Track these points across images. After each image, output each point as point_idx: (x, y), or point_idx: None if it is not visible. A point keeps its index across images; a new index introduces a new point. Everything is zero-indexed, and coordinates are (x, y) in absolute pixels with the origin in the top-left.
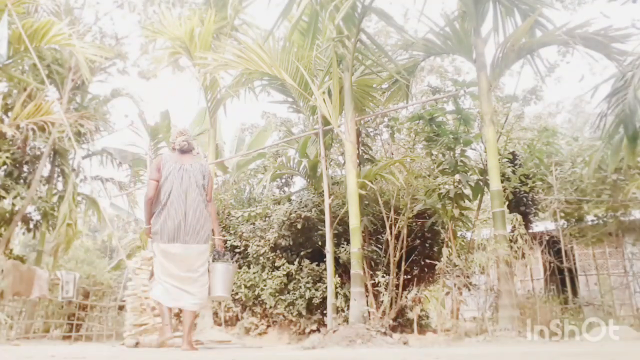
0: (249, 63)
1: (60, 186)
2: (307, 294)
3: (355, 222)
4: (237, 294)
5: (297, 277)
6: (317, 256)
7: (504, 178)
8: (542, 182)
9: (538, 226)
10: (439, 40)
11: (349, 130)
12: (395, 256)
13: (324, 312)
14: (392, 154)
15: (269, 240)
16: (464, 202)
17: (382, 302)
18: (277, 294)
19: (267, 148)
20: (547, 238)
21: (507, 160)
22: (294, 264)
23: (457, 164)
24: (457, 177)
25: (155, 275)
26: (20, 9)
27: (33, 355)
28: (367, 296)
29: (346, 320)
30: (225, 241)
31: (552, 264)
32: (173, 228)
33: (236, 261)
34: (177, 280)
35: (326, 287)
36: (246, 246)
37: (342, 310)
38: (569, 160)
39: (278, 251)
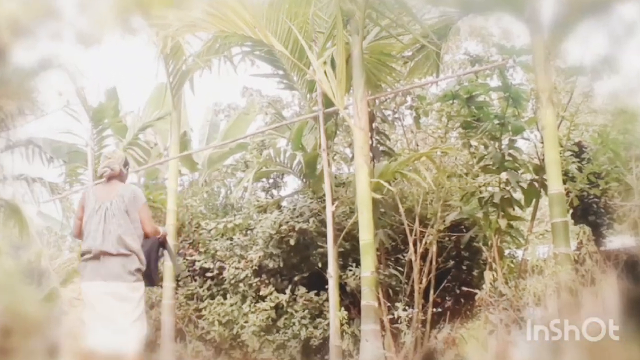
0: (225, 23)
1: None
2: (303, 333)
3: (367, 237)
4: (208, 332)
5: (289, 310)
6: (317, 282)
7: (567, 177)
8: (618, 183)
9: (613, 242)
10: None
11: (359, 113)
12: (420, 282)
13: (326, 357)
14: (417, 145)
15: (251, 260)
16: (514, 209)
17: (403, 343)
18: (262, 333)
19: (250, 137)
20: (624, 257)
21: (571, 153)
22: (285, 293)
23: (505, 159)
24: (504, 176)
25: None
26: None
27: None
28: (383, 336)
29: None
30: None
31: (632, 293)
32: None
33: (208, 289)
34: None
35: (328, 324)
36: (221, 269)
37: (350, 355)
38: None
39: (264, 276)
